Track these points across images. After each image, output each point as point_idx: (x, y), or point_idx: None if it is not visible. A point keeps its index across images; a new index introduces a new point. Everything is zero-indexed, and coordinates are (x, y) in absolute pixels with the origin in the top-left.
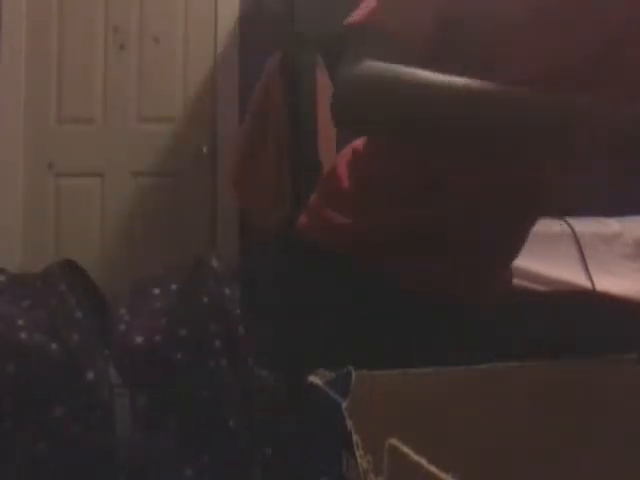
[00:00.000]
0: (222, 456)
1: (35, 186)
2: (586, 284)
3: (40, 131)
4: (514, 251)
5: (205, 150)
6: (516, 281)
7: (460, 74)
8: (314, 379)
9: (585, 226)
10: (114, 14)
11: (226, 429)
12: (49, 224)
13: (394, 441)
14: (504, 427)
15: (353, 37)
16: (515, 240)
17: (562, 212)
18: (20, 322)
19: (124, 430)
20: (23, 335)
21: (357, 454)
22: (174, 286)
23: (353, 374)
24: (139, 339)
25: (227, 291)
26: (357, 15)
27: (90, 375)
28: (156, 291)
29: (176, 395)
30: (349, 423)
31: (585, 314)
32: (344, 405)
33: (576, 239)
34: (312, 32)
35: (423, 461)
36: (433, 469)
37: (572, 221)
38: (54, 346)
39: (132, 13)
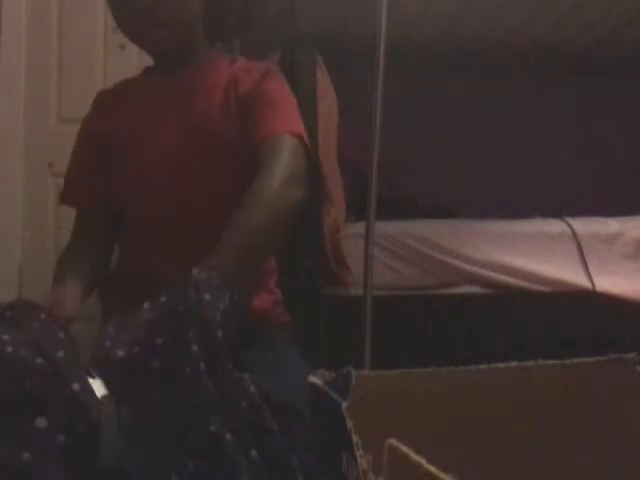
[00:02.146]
0: (206, 461)
1: (35, 186)
2: (586, 284)
3: (40, 131)
4: None
5: None
6: (516, 281)
7: None
8: (314, 379)
9: (585, 226)
10: None
11: (208, 433)
12: (49, 224)
13: (394, 441)
14: (504, 427)
15: None
16: None
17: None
18: (5, 337)
19: (110, 440)
20: (9, 349)
21: (357, 454)
22: (163, 299)
23: (353, 374)
24: (120, 352)
25: (207, 297)
26: None
27: (76, 386)
28: (146, 305)
29: (157, 403)
30: (349, 423)
31: (585, 314)
32: (344, 405)
33: (576, 239)
34: (312, 32)
35: (423, 461)
36: (433, 469)
37: (572, 221)
38: (39, 360)
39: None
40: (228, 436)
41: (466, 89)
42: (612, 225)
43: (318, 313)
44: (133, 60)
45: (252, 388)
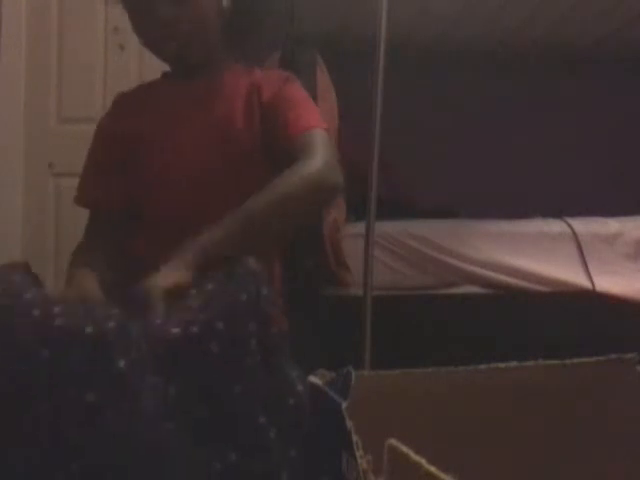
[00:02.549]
0: (250, 454)
1: (35, 186)
2: (586, 284)
3: (40, 131)
4: None
5: None
6: (516, 281)
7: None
8: (314, 379)
9: (585, 226)
10: (114, 14)
11: (256, 426)
12: (49, 224)
13: (394, 441)
14: (504, 427)
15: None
16: None
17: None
18: (56, 309)
19: (154, 420)
20: (59, 321)
21: (357, 454)
22: (210, 286)
23: (353, 374)
24: (175, 330)
25: (264, 291)
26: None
27: (121, 363)
28: (193, 291)
29: (209, 387)
30: (349, 423)
31: (585, 314)
32: (344, 405)
33: (576, 239)
34: (312, 32)
35: (423, 461)
36: (433, 469)
37: (572, 221)
38: (89, 329)
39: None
40: (273, 432)
41: (466, 89)
42: (612, 225)
43: (318, 313)
44: (133, 60)
45: (300, 387)
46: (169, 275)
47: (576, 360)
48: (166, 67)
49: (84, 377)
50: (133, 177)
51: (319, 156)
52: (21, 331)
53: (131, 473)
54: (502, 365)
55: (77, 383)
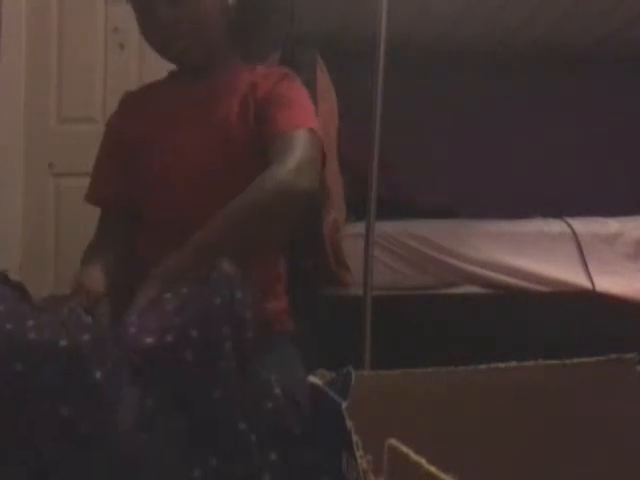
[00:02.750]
0: (231, 458)
1: (35, 186)
2: (586, 284)
3: (40, 131)
4: None
5: None
6: (516, 281)
7: None
8: (314, 379)
9: (585, 226)
10: (114, 14)
11: (236, 431)
12: (49, 224)
13: (394, 441)
14: (504, 427)
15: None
16: None
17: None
18: (30, 323)
19: (131, 430)
20: (32, 335)
21: (357, 454)
22: (185, 289)
23: (353, 374)
24: (150, 339)
25: (238, 295)
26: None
27: (97, 375)
28: (167, 295)
29: (186, 395)
30: (349, 423)
31: (585, 314)
32: (344, 405)
33: (576, 239)
34: (312, 32)
35: (423, 461)
36: (433, 469)
37: (572, 221)
38: (63, 343)
39: (132, 13)
40: (252, 436)
41: (466, 89)
42: (612, 225)
43: (318, 313)
44: (133, 60)
45: (277, 390)
46: (145, 298)
47: (576, 360)
48: (167, 67)
49: (59, 390)
50: (133, 178)
51: (291, 160)
52: None
53: None
54: (502, 365)
55: (52, 397)
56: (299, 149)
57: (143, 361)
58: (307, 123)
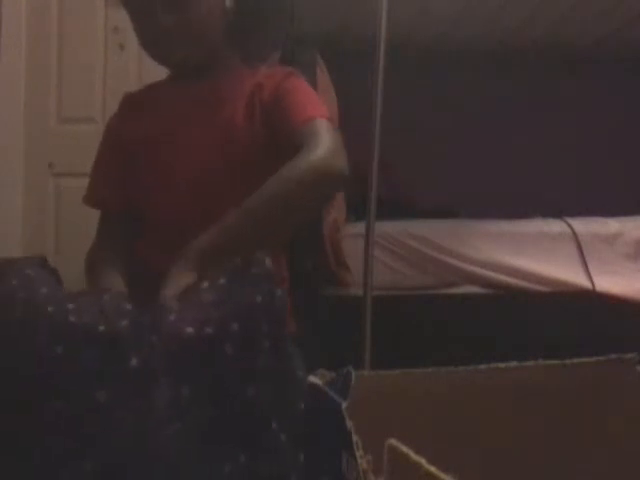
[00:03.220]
0: (260, 457)
1: (35, 186)
2: (586, 284)
3: (40, 131)
4: None
5: None
6: (516, 281)
7: None
8: (314, 379)
9: (585, 226)
10: (114, 14)
11: (268, 429)
12: (49, 224)
13: (394, 441)
14: (504, 427)
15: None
16: None
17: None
18: (70, 306)
19: (164, 419)
20: (72, 318)
21: (357, 454)
22: (223, 280)
23: (353, 374)
24: (190, 329)
25: (278, 293)
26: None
27: (134, 362)
28: (205, 284)
29: (221, 389)
30: (349, 423)
31: (585, 314)
32: (344, 405)
33: (576, 239)
34: (312, 32)
35: (423, 461)
36: (433, 469)
37: (572, 221)
38: (102, 327)
39: None
40: (284, 435)
41: (466, 89)
42: (612, 225)
43: (318, 313)
44: (133, 60)
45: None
46: (178, 280)
47: (576, 360)
48: (164, 66)
49: (96, 375)
50: (133, 179)
51: (324, 144)
52: (36, 327)
53: (140, 471)
54: (502, 365)
55: (88, 381)
56: (327, 135)
57: (181, 350)
58: (324, 114)
